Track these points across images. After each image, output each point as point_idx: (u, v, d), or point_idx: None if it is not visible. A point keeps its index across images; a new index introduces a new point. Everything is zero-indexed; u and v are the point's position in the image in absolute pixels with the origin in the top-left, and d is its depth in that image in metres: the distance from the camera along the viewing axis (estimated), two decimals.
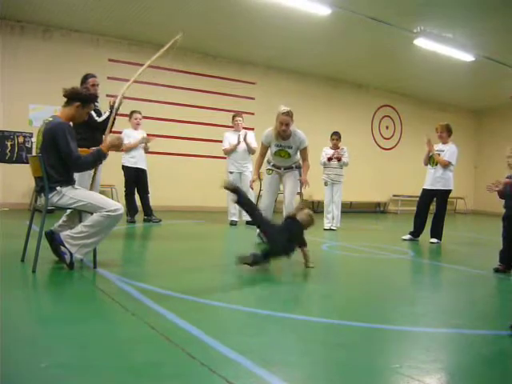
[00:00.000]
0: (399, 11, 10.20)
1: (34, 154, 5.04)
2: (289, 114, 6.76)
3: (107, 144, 5.10)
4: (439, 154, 8.70)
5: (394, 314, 4.09)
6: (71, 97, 4.97)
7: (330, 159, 10.20)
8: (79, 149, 5.01)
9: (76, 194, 4.85)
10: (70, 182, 4.94)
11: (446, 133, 8.86)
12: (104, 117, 6.63)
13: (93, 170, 5.80)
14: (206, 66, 14.10)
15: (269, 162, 7.32)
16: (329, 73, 15.95)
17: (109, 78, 10.61)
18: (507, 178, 5.83)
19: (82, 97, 5.00)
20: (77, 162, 4.84)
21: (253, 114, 13.95)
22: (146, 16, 10.83)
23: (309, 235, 5.85)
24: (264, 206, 7.13)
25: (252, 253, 5.39)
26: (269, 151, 7.21)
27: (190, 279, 4.96)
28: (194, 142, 13.82)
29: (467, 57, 12.84)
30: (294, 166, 7.27)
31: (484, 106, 19.80)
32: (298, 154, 7.18)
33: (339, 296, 4.70)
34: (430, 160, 8.83)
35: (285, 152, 7.04)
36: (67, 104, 4.99)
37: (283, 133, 6.83)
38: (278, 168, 7.25)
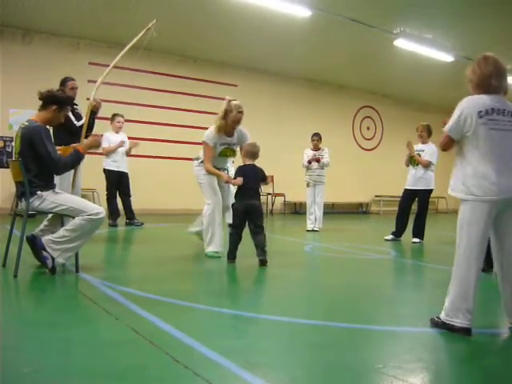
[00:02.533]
0: (379, 13, 10.27)
1: (14, 158, 5.01)
2: (241, 109, 6.23)
3: (85, 144, 5.11)
4: (419, 155, 8.75)
5: (378, 314, 4.11)
6: (48, 100, 4.94)
7: (309, 162, 10.23)
8: (58, 147, 5.01)
9: (57, 198, 4.82)
10: (50, 186, 4.91)
11: (426, 133, 8.92)
12: (82, 121, 6.59)
13: (72, 174, 5.81)
14: (187, 69, 14.10)
15: (202, 161, 6.45)
16: (310, 74, 16.00)
17: (89, 81, 10.52)
18: None
19: (58, 100, 4.97)
20: (57, 165, 4.83)
21: None
22: (127, 19, 10.78)
23: (292, 237, 5.86)
24: (215, 202, 6.42)
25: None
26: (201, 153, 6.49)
27: (173, 282, 4.94)
28: (175, 144, 13.78)
29: (447, 57, 12.94)
30: (226, 167, 6.84)
31: None
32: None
33: (323, 297, 4.71)
34: (411, 160, 8.88)
35: (230, 150, 6.48)
36: (43, 107, 4.96)
37: (232, 130, 6.31)
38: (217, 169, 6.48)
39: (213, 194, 6.43)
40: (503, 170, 3.34)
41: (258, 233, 5.81)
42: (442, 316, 3.48)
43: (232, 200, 6.31)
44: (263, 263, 5.73)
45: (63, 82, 6.84)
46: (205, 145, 6.28)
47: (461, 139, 3.49)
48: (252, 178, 5.85)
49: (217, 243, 6.43)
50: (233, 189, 6.40)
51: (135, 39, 6.12)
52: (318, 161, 10.20)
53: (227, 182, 6.23)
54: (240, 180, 5.81)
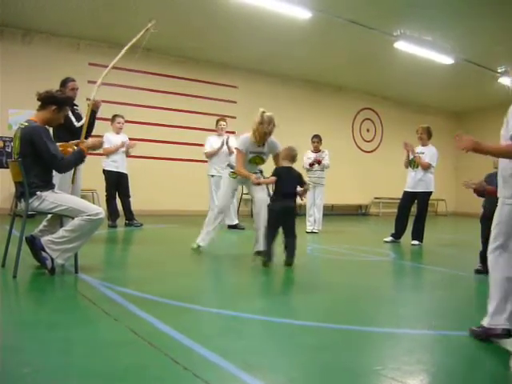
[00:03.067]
0: (379, 15, 10.27)
1: (13, 159, 5.00)
2: (273, 121, 6.44)
3: (88, 144, 5.14)
4: (420, 157, 8.75)
5: (377, 316, 4.11)
6: (46, 101, 4.93)
7: (311, 165, 10.23)
8: (58, 143, 5.03)
9: (56, 198, 4.82)
10: (50, 186, 4.91)
11: (426, 135, 8.93)
12: (82, 122, 6.59)
13: (72, 174, 5.83)
14: (187, 70, 14.08)
15: (232, 167, 6.82)
16: (310, 76, 16.00)
17: (89, 81, 10.51)
18: (485, 180, 5.86)
19: (57, 100, 4.96)
20: (60, 164, 4.84)
21: (234, 117, 13.93)
22: (127, 19, 10.79)
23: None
24: (222, 207, 6.87)
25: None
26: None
27: (173, 283, 4.94)
28: (175, 145, 13.79)
29: (447, 59, 12.94)
30: (258, 170, 6.99)
31: (464, 107, 19.98)
32: None
33: (321, 299, 4.71)
34: (411, 163, 8.88)
35: (260, 158, 6.70)
36: (42, 108, 4.95)
37: (264, 140, 6.51)
38: None
39: (225, 198, 6.83)
40: None
41: (289, 236, 5.89)
42: (486, 322, 3.36)
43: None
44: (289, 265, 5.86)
45: (64, 83, 6.84)
46: (237, 151, 6.54)
47: None
48: (286, 180, 5.94)
49: (205, 239, 6.85)
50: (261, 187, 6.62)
51: (134, 39, 6.15)
52: (319, 162, 10.21)
53: (257, 184, 6.36)
54: (272, 179, 5.99)
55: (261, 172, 6.99)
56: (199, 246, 6.85)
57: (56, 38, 12.18)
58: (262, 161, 6.76)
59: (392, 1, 9.67)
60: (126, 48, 6.11)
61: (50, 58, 11.93)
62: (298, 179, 6.03)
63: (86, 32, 12.02)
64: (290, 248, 5.87)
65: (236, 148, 6.64)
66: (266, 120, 6.29)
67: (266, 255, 5.87)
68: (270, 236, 5.88)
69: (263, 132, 6.33)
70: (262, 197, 6.64)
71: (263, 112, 6.35)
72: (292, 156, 6.08)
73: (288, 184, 5.93)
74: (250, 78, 15.24)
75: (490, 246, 3.43)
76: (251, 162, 6.64)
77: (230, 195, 6.89)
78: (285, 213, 5.89)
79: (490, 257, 3.41)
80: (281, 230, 5.92)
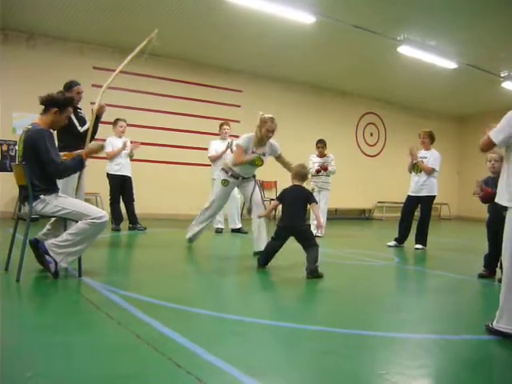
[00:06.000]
0: (383, 19, 10.27)
1: (17, 162, 5.01)
2: (275, 121, 6.68)
3: (87, 150, 5.13)
4: (422, 161, 8.73)
5: (380, 320, 4.10)
6: (48, 103, 4.94)
7: (318, 171, 10.23)
8: (62, 153, 5.01)
9: (60, 201, 4.82)
10: (53, 190, 4.91)
11: (429, 139, 8.92)
12: (86, 127, 6.57)
13: (77, 178, 5.82)
14: (192, 74, 14.09)
15: (226, 172, 7.04)
16: (314, 80, 16.01)
17: (93, 85, 10.55)
18: (483, 182, 5.79)
19: (58, 102, 4.97)
20: (57, 169, 4.81)
21: (239, 121, 13.93)
22: (131, 24, 10.82)
23: (294, 242, 5.83)
24: (215, 211, 7.41)
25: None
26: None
27: (176, 287, 4.94)
28: (179, 149, 13.80)
29: (450, 64, 12.94)
30: (252, 175, 7.17)
31: (467, 112, 19.97)
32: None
33: (325, 303, 4.71)
34: (414, 167, 8.86)
35: (259, 159, 6.84)
36: (45, 111, 4.96)
37: (267, 139, 6.76)
38: (236, 178, 7.01)
39: (219, 199, 7.21)
40: None
41: (307, 247, 5.76)
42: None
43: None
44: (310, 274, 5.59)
45: (69, 87, 6.80)
46: (237, 147, 6.86)
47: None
48: (293, 200, 5.87)
49: (193, 232, 7.55)
50: (258, 189, 7.01)
51: (137, 49, 6.14)
52: (325, 169, 10.22)
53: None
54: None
55: (254, 177, 7.19)
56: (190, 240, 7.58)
57: (60, 42, 12.20)
58: (261, 162, 6.92)
59: (395, 6, 9.66)
60: (128, 58, 6.11)
61: (54, 62, 11.93)
62: (304, 201, 5.90)
63: (90, 36, 12.05)
64: (309, 257, 5.68)
65: (237, 144, 6.90)
66: (267, 119, 6.62)
67: (262, 262, 5.92)
68: (270, 247, 5.91)
69: (265, 131, 6.62)
70: (256, 199, 6.92)
71: (262, 114, 6.70)
72: (302, 175, 6.02)
73: (292, 203, 5.85)
74: (255, 82, 15.25)
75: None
76: (251, 162, 6.82)
77: (220, 202, 7.32)
78: (292, 230, 5.79)
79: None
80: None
